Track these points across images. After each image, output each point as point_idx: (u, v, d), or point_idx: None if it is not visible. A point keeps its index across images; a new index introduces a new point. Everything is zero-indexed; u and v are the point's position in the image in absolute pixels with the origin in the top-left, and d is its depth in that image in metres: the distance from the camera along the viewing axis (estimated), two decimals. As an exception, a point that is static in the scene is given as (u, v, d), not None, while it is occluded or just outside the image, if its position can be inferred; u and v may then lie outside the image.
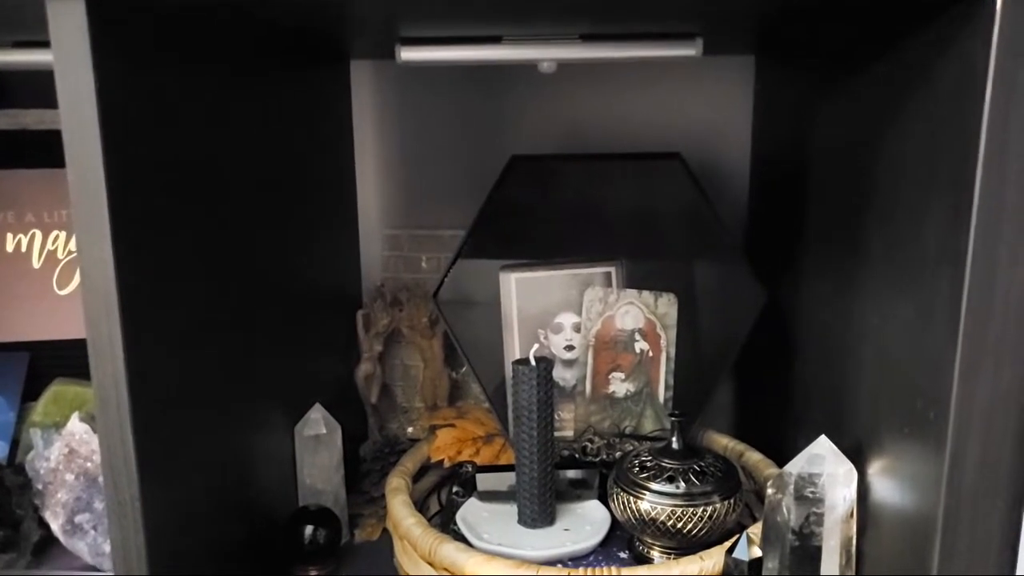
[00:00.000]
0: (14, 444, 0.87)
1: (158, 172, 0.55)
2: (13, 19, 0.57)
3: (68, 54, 0.48)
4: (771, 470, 0.81)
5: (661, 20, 0.65)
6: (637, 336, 0.88)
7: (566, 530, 0.77)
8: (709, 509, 0.70)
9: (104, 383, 0.50)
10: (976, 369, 0.47)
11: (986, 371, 0.47)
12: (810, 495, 0.59)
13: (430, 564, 0.69)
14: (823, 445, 0.60)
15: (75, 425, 0.76)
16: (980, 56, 0.44)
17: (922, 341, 0.52)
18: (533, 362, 0.75)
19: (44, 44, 0.48)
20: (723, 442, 0.90)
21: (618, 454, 0.85)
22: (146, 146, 0.54)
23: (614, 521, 0.76)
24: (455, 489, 0.84)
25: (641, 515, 0.70)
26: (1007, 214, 0.45)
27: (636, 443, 0.86)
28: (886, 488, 0.57)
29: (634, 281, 0.91)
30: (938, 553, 0.49)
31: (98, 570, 0.75)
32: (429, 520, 0.75)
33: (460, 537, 0.75)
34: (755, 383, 0.98)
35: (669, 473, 0.71)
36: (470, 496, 0.83)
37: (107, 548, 0.73)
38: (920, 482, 0.52)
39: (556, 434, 0.80)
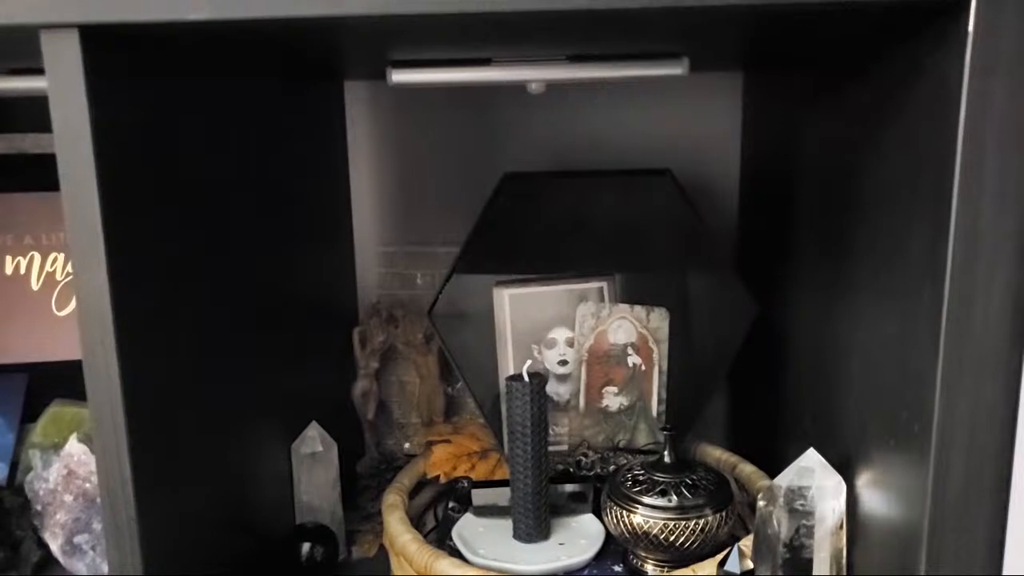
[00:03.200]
0: (13, 465, 0.87)
1: (153, 195, 0.56)
2: (8, 47, 0.58)
3: (62, 81, 0.49)
4: (764, 482, 0.81)
5: (647, 40, 0.66)
6: (630, 350, 0.89)
7: (561, 544, 0.78)
8: (701, 522, 0.70)
9: (100, 406, 0.51)
10: (958, 382, 0.48)
11: (967, 384, 0.47)
12: (800, 507, 0.60)
13: (426, 580, 0.70)
14: (812, 458, 0.61)
15: (73, 446, 0.76)
16: (954, 75, 0.45)
17: (906, 355, 0.53)
18: (527, 378, 0.76)
19: (40, 71, 0.49)
20: (716, 454, 0.90)
21: (612, 468, 0.85)
22: (141, 170, 0.54)
23: (608, 535, 0.77)
24: (451, 505, 0.85)
25: (634, 529, 0.71)
26: (985, 229, 0.46)
27: (629, 457, 0.86)
28: (874, 499, 0.58)
29: (626, 296, 0.92)
30: (925, 563, 0.50)
31: (97, 590, 0.75)
32: (425, 536, 0.75)
33: (456, 552, 0.75)
34: (747, 396, 0.98)
35: (661, 487, 0.72)
36: (466, 511, 0.83)
37: (106, 568, 0.74)
38: (906, 493, 0.52)
39: (550, 448, 0.81)
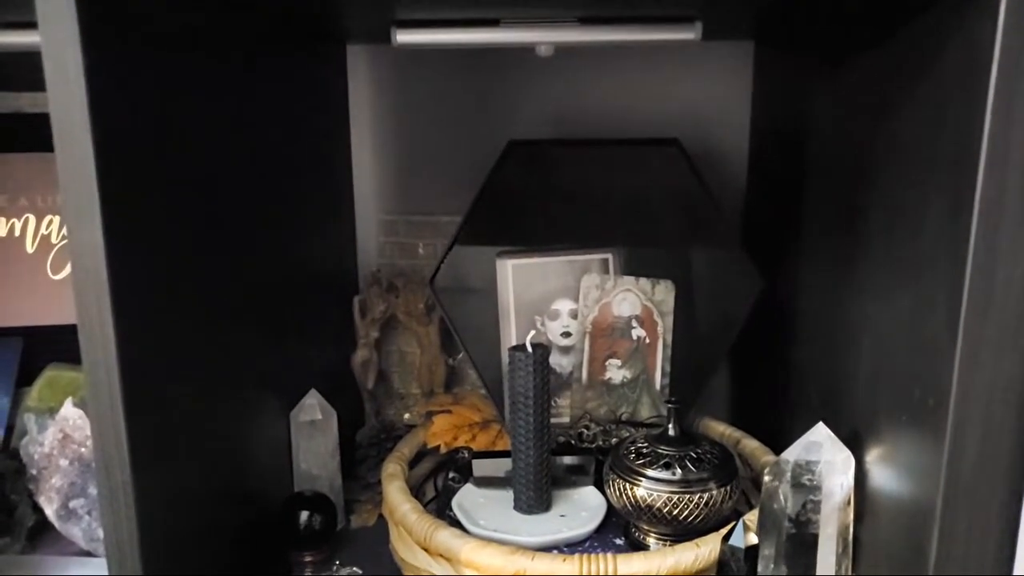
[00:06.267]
0: (8, 429, 0.86)
1: (149, 155, 0.54)
2: (2, -1, 0.56)
3: (56, 35, 0.47)
4: (768, 457, 0.81)
5: (660, 3, 0.64)
6: (634, 323, 0.88)
7: (562, 516, 0.77)
8: (705, 496, 0.69)
9: (95, 368, 0.50)
10: (976, 357, 0.46)
11: (986, 360, 0.46)
12: (807, 482, 0.59)
13: (426, 550, 0.69)
14: (820, 432, 0.60)
15: (69, 410, 0.76)
16: (986, 40, 0.43)
17: (921, 330, 0.51)
18: (530, 349, 0.75)
19: (34, 25, 0.47)
20: (720, 429, 0.90)
21: (614, 440, 0.85)
22: (136, 128, 0.53)
23: (610, 507, 0.76)
24: (451, 475, 0.84)
25: (637, 502, 0.70)
26: (1009, 201, 0.44)
27: (632, 430, 0.85)
28: (884, 476, 0.57)
29: (631, 268, 0.90)
30: (936, 541, 0.49)
31: (92, 555, 0.74)
32: (425, 506, 0.75)
33: (456, 523, 0.75)
34: (752, 370, 0.97)
35: (665, 460, 0.71)
36: (466, 482, 0.83)
37: (101, 533, 0.73)
38: (918, 470, 0.51)
39: (552, 420, 0.80)
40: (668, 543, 0.72)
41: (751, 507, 0.78)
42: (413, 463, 0.87)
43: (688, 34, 0.69)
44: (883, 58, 0.60)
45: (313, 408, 0.80)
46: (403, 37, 0.68)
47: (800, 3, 0.71)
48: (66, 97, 0.47)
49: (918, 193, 0.52)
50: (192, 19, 0.60)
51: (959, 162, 0.46)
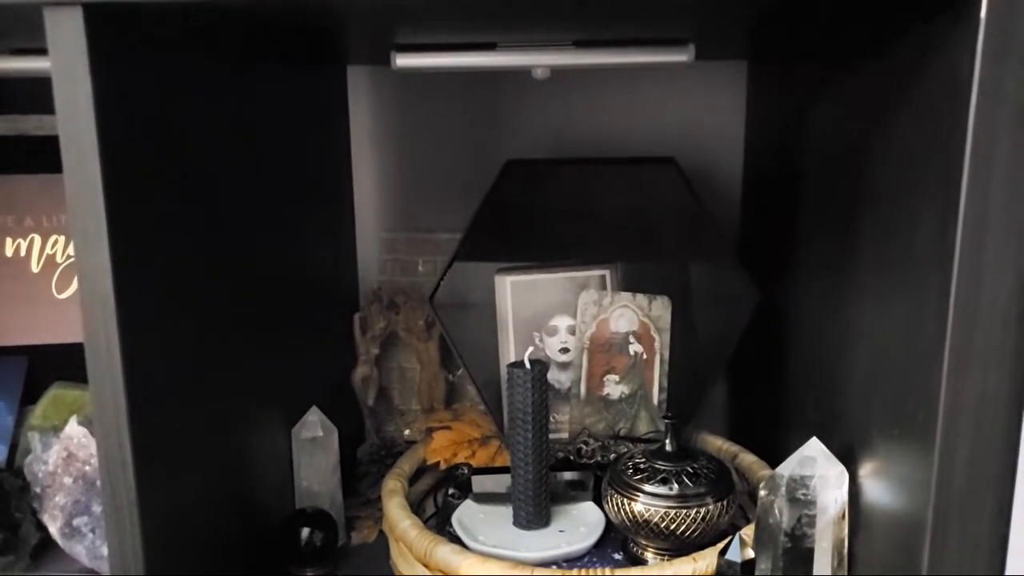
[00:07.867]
0: (13, 448, 0.87)
1: (155, 177, 0.56)
2: (11, 26, 0.57)
3: (65, 61, 0.48)
4: (764, 472, 0.81)
5: (654, 26, 0.65)
6: (631, 339, 0.89)
7: (561, 532, 0.78)
8: (702, 511, 0.70)
9: (101, 387, 0.51)
10: (964, 370, 0.47)
11: (974, 372, 0.47)
12: (802, 497, 0.59)
13: (426, 566, 0.70)
14: (814, 447, 0.60)
15: (73, 429, 0.76)
16: (965, 62, 0.45)
17: (912, 343, 0.52)
18: (528, 365, 0.76)
19: (42, 51, 0.49)
20: (717, 444, 0.90)
21: (612, 456, 0.85)
22: (143, 151, 0.54)
23: (609, 523, 0.77)
24: (451, 491, 0.85)
25: (635, 517, 0.71)
26: (994, 217, 0.45)
27: (630, 445, 0.86)
28: (877, 489, 0.58)
29: (628, 284, 0.92)
30: (928, 553, 0.49)
31: (96, 573, 0.75)
32: (425, 522, 0.75)
33: (456, 539, 0.75)
34: (749, 385, 0.98)
35: (663, 475, 0.72)
36: (466, 498, 0.83)
37: (105, 551, 0.74)
38: (910, 483, 0.52)
39: (551, 436, 0.81)
40: (666, 557, 0.72)
41: (748, 521, 0.79)
42: (413, 479, 0.87)
43: (681, 56, 0.70)
44: (871, 77, 0.61)
45: (315, 425, 0.81)
46: (403, 61, 0.69)
47: (790, 23, 0.73)
48: (76, 123, 0.49)
49: (908, 208, 0.53)
50: (196, 43, 0.61)
51: (945, 180, 0.47)
